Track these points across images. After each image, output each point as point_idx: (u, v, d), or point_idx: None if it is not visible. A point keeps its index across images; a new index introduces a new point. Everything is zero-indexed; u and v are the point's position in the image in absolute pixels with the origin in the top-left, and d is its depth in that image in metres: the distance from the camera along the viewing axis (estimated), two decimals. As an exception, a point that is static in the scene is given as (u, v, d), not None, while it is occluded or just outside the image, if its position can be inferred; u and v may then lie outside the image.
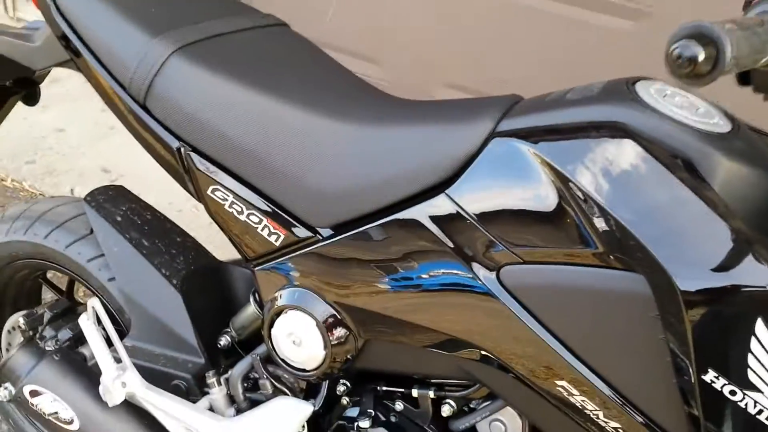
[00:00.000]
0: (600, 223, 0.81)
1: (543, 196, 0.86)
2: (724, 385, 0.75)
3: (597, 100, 0.87)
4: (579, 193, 0.82)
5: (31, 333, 1.45)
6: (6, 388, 1.27)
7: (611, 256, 0.82)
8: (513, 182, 0.89)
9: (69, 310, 1.52)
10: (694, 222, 0.76)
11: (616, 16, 1.98)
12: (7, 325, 1.59)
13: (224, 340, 1.29)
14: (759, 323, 0.71)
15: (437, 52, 2.66)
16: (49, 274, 1.63)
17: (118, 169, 2.79)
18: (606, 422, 0.88)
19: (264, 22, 1.25)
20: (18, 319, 1.52)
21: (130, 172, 2.73)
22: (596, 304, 0.85)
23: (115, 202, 1.40)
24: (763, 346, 0.72)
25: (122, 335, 1.35)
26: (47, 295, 1.70)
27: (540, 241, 0.87)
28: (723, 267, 0.73)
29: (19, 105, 1.57)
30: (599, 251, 0.82)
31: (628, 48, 1.95)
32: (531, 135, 0.88)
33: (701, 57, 0.53)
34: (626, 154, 0.81)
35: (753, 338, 0.72)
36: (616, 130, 0.83)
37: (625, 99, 0.85)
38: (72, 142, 2.98)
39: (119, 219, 1.36)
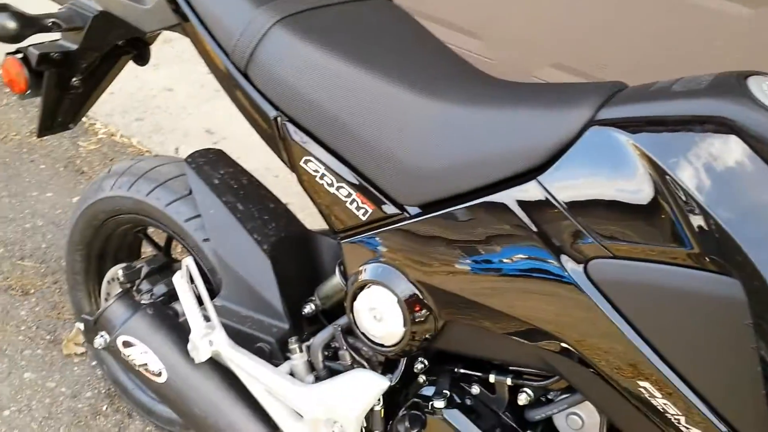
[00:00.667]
0: (697, 222, 0.78)
1: (639, 190, 0.83)
2: (818, 403, 0.71)
3: (704, 94, 0.83)
4: (677, 189, 0.79)
5: (128, 285, 1.52)
6: (102, 336, 1.34)
7: (707, 258, 0.78)
8: (609, 173, 0.86)
9: (165, 266, 1.58)
10: (799, 229, 0.72)
11: (736, 2, 1.88)
12: (108, 276, 1.67)
13: (308, 308, 1.31)
14: None
15: (542, 31, 2.59)
16: (150, 230, 1.70)
17: (221, 131, 2.87)
18: (687, 428, 0.85)
19: (366, -5, 1.25)
20: (117, 271, 1.59)
21: (231, 135, 2.80)
22: (687, 306, 0.81)
23: (214, 165, 1.45)
24: None
25: (213, 295, 1.40)
26: (147, 250, 1.77)
27: (632, 236, 0.84)
28: (827, 279, 0.69)
29: (130, 64, 1.63)
30: (694, 251, 0.79)
31: (744, 37, 1.85)
32: (631, 125, 0.85)
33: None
34: (731, 151, 0.77)
35: None
36: (723, 126, 0.79)
37: (734, 94, 0.80)
38: (179, 102, 3.08)
39: (217, 182, 1.40)
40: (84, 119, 3.05)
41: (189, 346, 1.25)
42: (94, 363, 1.95)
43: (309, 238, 1.42)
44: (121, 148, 2.88)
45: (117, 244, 1.72)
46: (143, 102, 3.09)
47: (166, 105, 3.05)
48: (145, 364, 1.28)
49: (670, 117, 0.83)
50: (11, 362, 1.97)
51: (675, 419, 0.86)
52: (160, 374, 1.27)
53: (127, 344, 1.29)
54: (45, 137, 2.83)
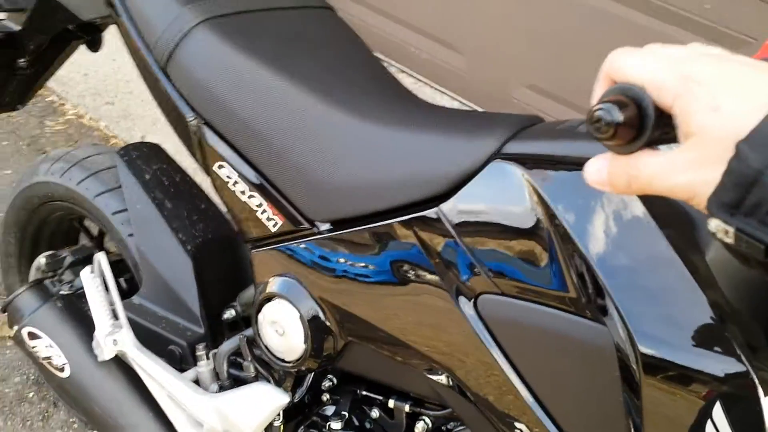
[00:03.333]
0: (575, 267, 0.76)
1: (527, 228, 0.81)
2: (675, 464, 0.69)
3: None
4: (561, 232, 0.77)
5: (50, 274, 1.49)
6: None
7: (582, 304, 0.76)
8: (502, 208, 0.84)
9: (92, 258, 1.55)
10: (671, 285, 0.69)
11: (704, 37, 1.86)
12: (35, 263, 1.64)
13: (228, 314, 1.29)
14: (717, 408, 0.65)
15: (521, 51, 2.57)
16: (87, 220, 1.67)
17: (189, 122, 2.83)
18: (559, 474, 0.83)
19: (306, 3, 1.22)
20: (41, 258, 1.56)
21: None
22: (564, 351, 0.79)
23: (147, 160, 1.42)
24: (720, 433, 0.65)
25: (136, 291, 1.37)
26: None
27: (519, 274, 0.82)
28: (691, 340, 0.67)
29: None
30: (571, 296, 0.77)
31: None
32: (531, 162, 0.83)
33: (622, 122, 0.47)
34: (618, 199, 0.75)
35: (709, 422, 0.65)
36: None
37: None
38: (153, 89, 3.04)
39: (148, 177, 1.38)
40: (55, 98, 3.02)
41: (93, 344, 1.22)
42: (26, 347, 1.92)
43: (237, 243, 1.39)
44: (88, 131, 2.84)
45: (52, 230, 1.69)
46: (116, 86, 3.04)
47: (139, 91, 3.01)
48: (49, 358, 1.25)
49: (567, 157, 0.81)
50: (-58, 340, 1.94)
51: (548, 464, 0.83)
52: (63, 369, 1.25)
53: (32, 336, 1.26)
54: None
